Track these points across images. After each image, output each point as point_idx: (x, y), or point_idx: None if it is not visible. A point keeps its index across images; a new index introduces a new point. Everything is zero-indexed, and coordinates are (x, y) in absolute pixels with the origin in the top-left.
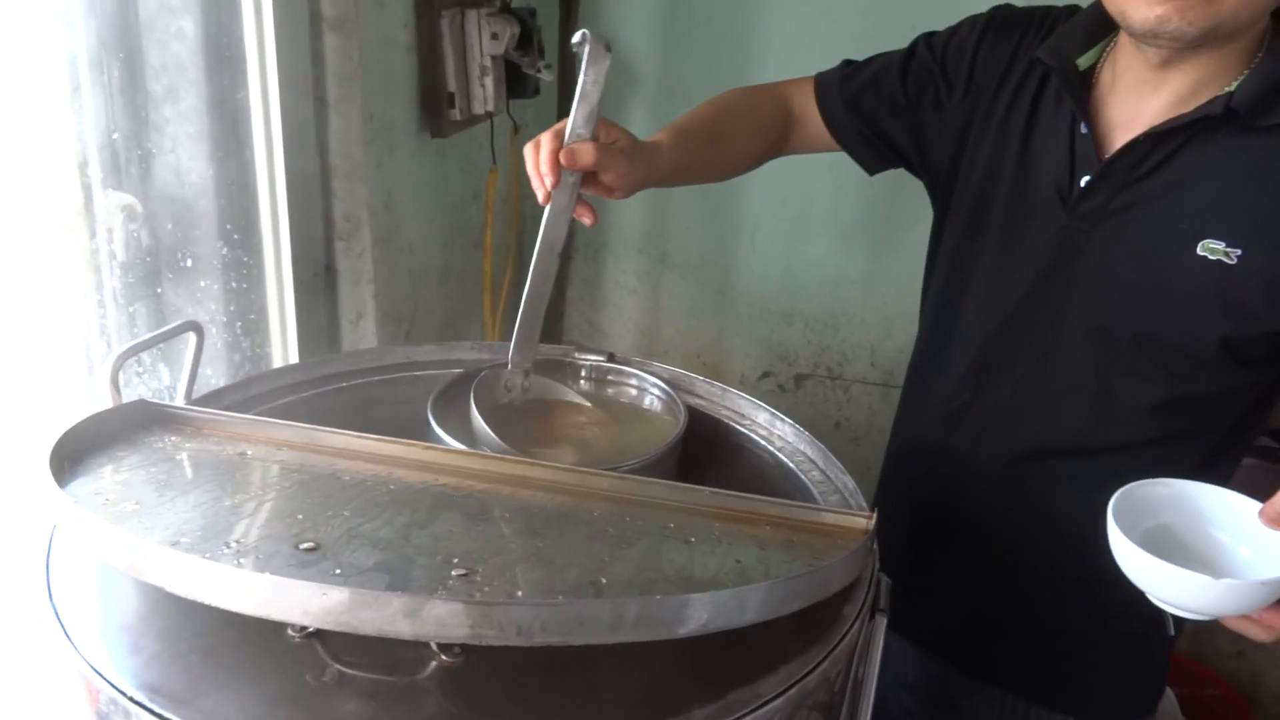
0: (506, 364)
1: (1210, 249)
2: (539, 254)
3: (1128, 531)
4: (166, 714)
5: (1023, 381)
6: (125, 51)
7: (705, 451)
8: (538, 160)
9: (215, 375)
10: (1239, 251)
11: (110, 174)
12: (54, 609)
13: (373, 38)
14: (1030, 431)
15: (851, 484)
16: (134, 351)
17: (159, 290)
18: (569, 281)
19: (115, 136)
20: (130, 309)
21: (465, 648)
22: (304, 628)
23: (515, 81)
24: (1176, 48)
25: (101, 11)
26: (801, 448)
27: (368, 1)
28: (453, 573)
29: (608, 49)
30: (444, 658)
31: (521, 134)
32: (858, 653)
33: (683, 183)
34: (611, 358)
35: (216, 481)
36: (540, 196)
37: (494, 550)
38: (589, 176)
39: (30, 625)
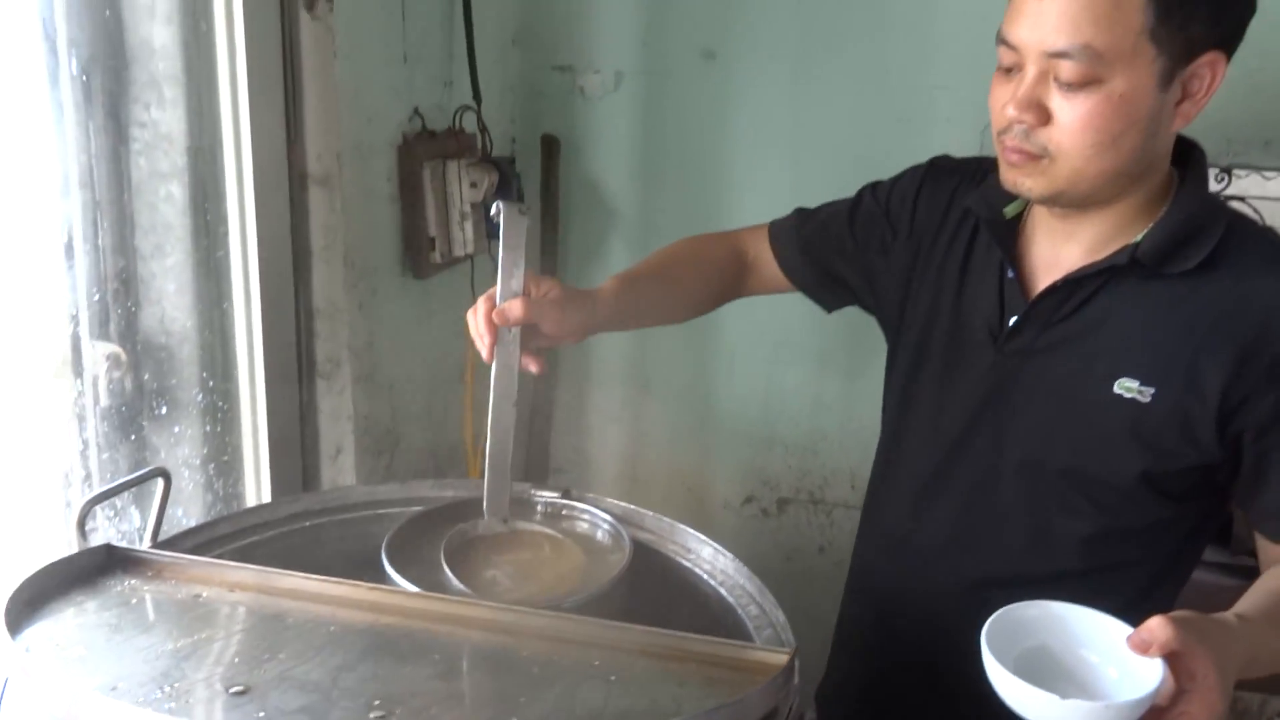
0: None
1: (1126, 387)
2: (494, 409)
3: (1006, 650)
4: None
5: (961, 513)
6: (117, 213)
7: (653, 585)
8: (476, 323)
9: (189, 516)
10: (1152, 390)
11: (98, 325)
12: None
13: (356, 191)
14: (969, 562)
15: (783, 619)
16: (102, 499)
17: (140, 434)
18: (554, 410)
19: (103, 291)
20: (111, 453)
21: None
22: None
23: (495, 225)
24: (1054, 206)
25: (97, 179)
26: (741, 582)
27: (351, 159)
28: (370, 715)
29: (522, 213)
30: None
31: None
32: None
33: (636, 324)
34: (566, 494)
35: (166, 625)
36: (484, 355)
37: (416, 692)
38: (530, 328)
39: None
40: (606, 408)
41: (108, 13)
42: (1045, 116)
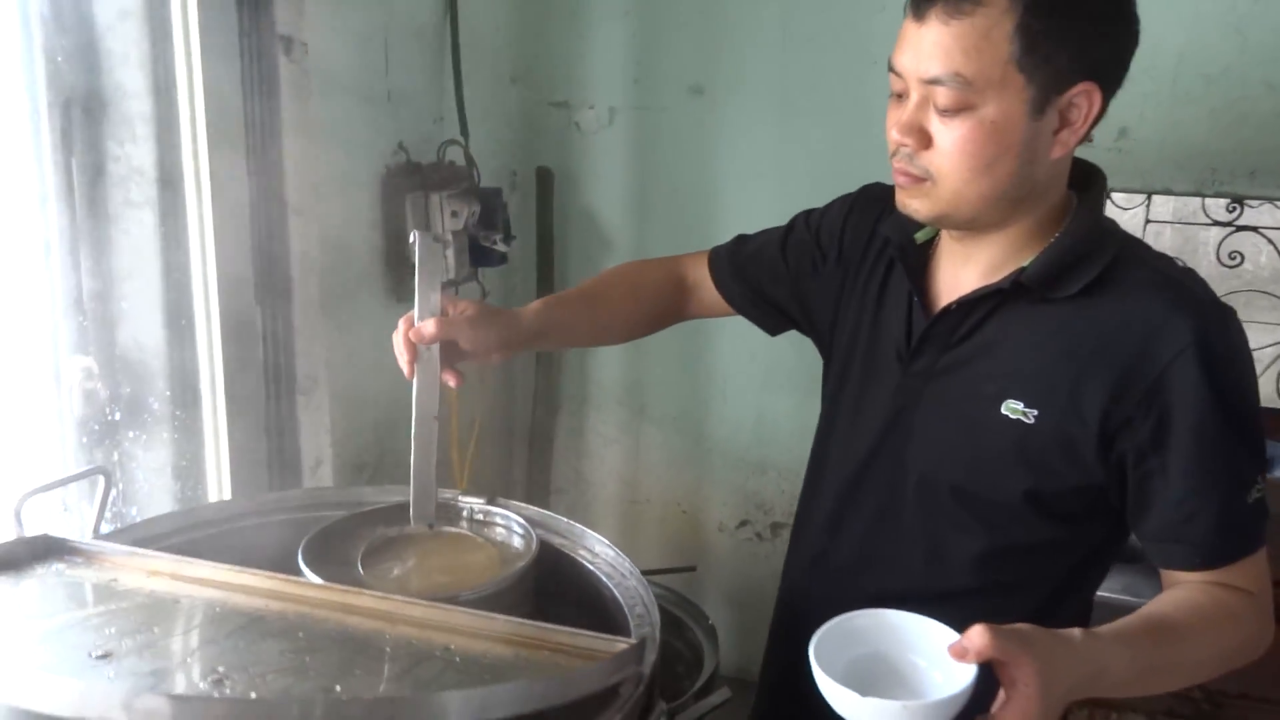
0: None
1: (1012, 409)
2: (416, 422)
3: (840, 655)
4: None
5: (868, 531)
6: (94, 239)
7: (558, 584)
8: (396, 343)
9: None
10: (1035, 412)
11: (74, 339)
12: None
13: (336, 220)
14: (874, 579)
15: (657, 618)
16: (40, 490)
17: (110, 440)
18: (555, 434)
19: (80, 309)
20: (85, 456)
21: None
22: None
23: (481, 252)
24: (943, 227)
25: (73, 206)
26: (633, 585)
27: (330, 190)
28: (210, 678)
29: (437, 240)
30: None
31: (489, 298)
32: None
33: (566, 343)
34: (492, 500)
35: (71, 603)
36: (405, 372)
37: (260, 663)
38: (450, 345)
39: None
40: (605, 431)
41: (87, 60)
42: (927, 140)
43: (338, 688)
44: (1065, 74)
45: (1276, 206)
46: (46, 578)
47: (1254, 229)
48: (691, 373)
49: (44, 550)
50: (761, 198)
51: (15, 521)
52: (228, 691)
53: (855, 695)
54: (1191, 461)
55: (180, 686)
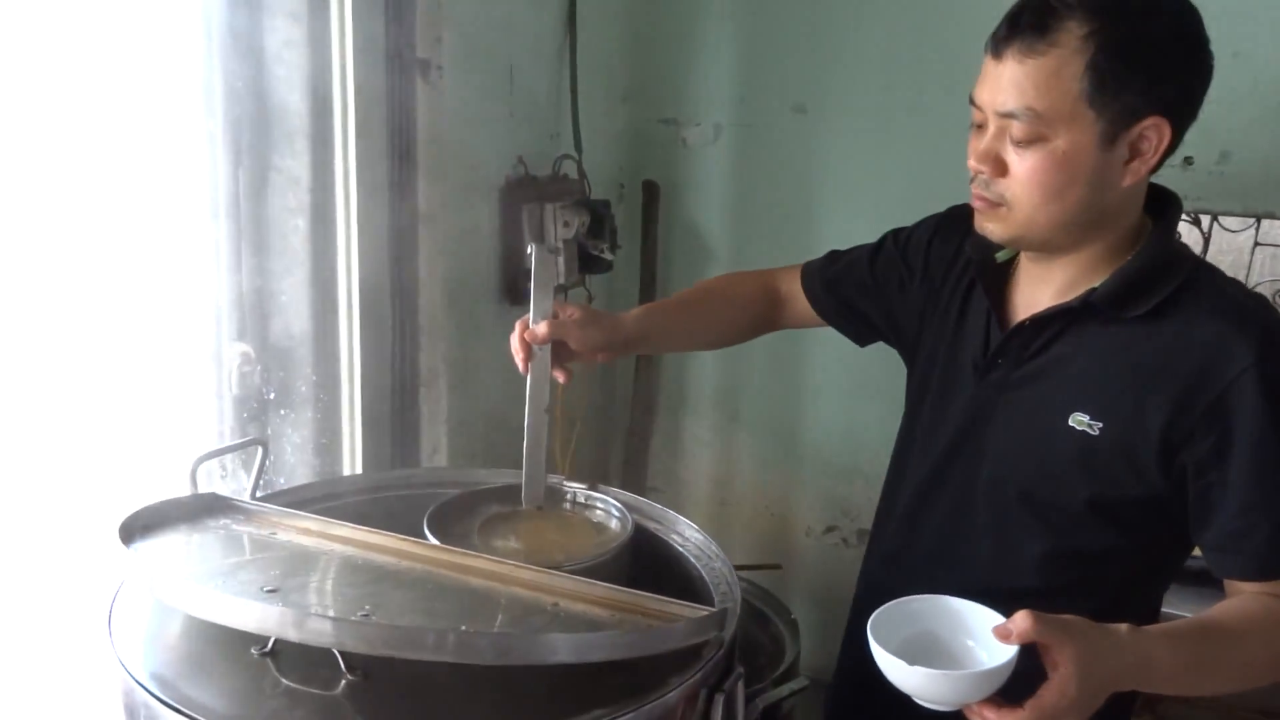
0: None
1: (1079, 421)
2: (530, 414)
3: (891, 633)
4: (160, 695)
5: (943, 528)
6: (256, 241)
7: (651, 562)
8: (512, 343)
9: (291, 483)
10: (1101, 424)
11: (236, 328)
12: (109, 626)
13: (460, 227)
14: (945, 575)
15: (739, 596)
16: (209, 457)
17: (262, 417)
18: (652, 435)
19: (241, 301)
20: (240, 430)
21: (365, 672)
22: (262, 648)
23: (589, 260)
24: (1018, 249)
25: (239, 213)
26: (719, 566)
27: (456, 201)
28: (358, 612)
29: (552, 251)
30: (349, 676)
31: (595, 303)
32: None
33: (665, 348)
34: (592, 486)
35: (241, 549)
36: (520, 369)
37: (400, 605)
38: (560, 345)
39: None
40: (699, 434)
41: (257, 83)
42: (1003, 168)
43: (463, 627)
44: (1134, 109)
45: None
46: (217, 529)
47: None
48: (784, 380)
49: (213, 507)
50: (857, 215)
51: (190, 481)
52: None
53: (904, 664)
54: (1250, 476)
55: (335, 615)
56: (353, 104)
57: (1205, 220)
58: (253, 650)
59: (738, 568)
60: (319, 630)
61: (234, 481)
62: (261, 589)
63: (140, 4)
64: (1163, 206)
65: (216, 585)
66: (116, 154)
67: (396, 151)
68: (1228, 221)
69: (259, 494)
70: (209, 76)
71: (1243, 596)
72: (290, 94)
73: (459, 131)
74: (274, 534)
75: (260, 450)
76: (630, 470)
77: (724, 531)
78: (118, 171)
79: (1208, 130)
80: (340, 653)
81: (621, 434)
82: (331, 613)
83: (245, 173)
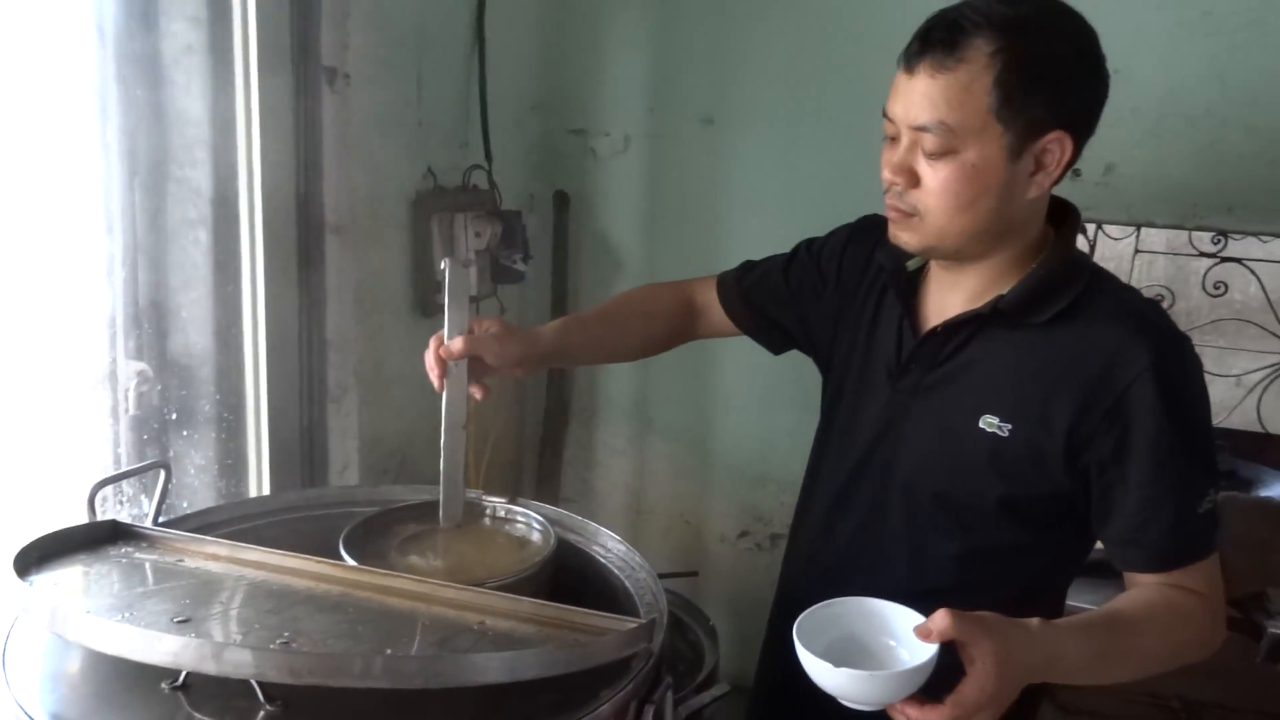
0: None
1: (988, 423)
2: (446, 432)
3: (816, 637)
4: None
5: (857, 534)
6: (153, 254)
7: (574, 575)
8: (427, 359)
9: (195, 507)
10: (1009, 426)
11: (133, 345)
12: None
13: (369, 238)
14: (862, 578)
15: (665, 605)
16: (107, 482)
17: (162, 438)
18: (565, 445)
19: (138, 317)
20: (138, 453)
21: (285, 702)
22: (173, 682)
23: (501, 270)
24: (931, 258)
25: (135, 224)
26: (643, 577)
27: (364, 211)
28: (277, 640)
29: (465, 266)
30: (268, 707)
31: (507, 314)
32: None
33: (583, 360)
34: (513, 499)
35: (145, 578)
36: (436, 386)
37: (320, 631)
38: (476, 361)
39: None
40: (613, 443)
41: (154, 89)
42: (915, 180)
43: (389, 650)
44: (1039, 123)
45: (1261, 240)
46: (118, 559)
47: (1238, 260)
48: (697, 389)
49: (113, 535)
50: (766, 224)
51: (88, 508)
52: (293, 650)
53: (828, 666)
54: (1148, 473)
55: (252, 645)
56: (256, 112)
57: (1091, 229)
58: (163, 685)
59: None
60: (238, 661)
61: (134, 507)
62: (172, 619)
63: (27, 4)
64: (1063, 216)
65: (122, 618)
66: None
67: (302, 161)
68: (1111, 230)
69: (162, 519)
70: (103, 83)
71: (1144, 588)
72: (190, 101)
73: (367, 141)
74: (180, 561)
75: (162, 473)
76: (544, 482)
77: (640, 540)
78: (2, 181)
79: (1094, 144)
80: (258, 683)
81: (534, 446)
82: (249, 641)
83: (142, 183)
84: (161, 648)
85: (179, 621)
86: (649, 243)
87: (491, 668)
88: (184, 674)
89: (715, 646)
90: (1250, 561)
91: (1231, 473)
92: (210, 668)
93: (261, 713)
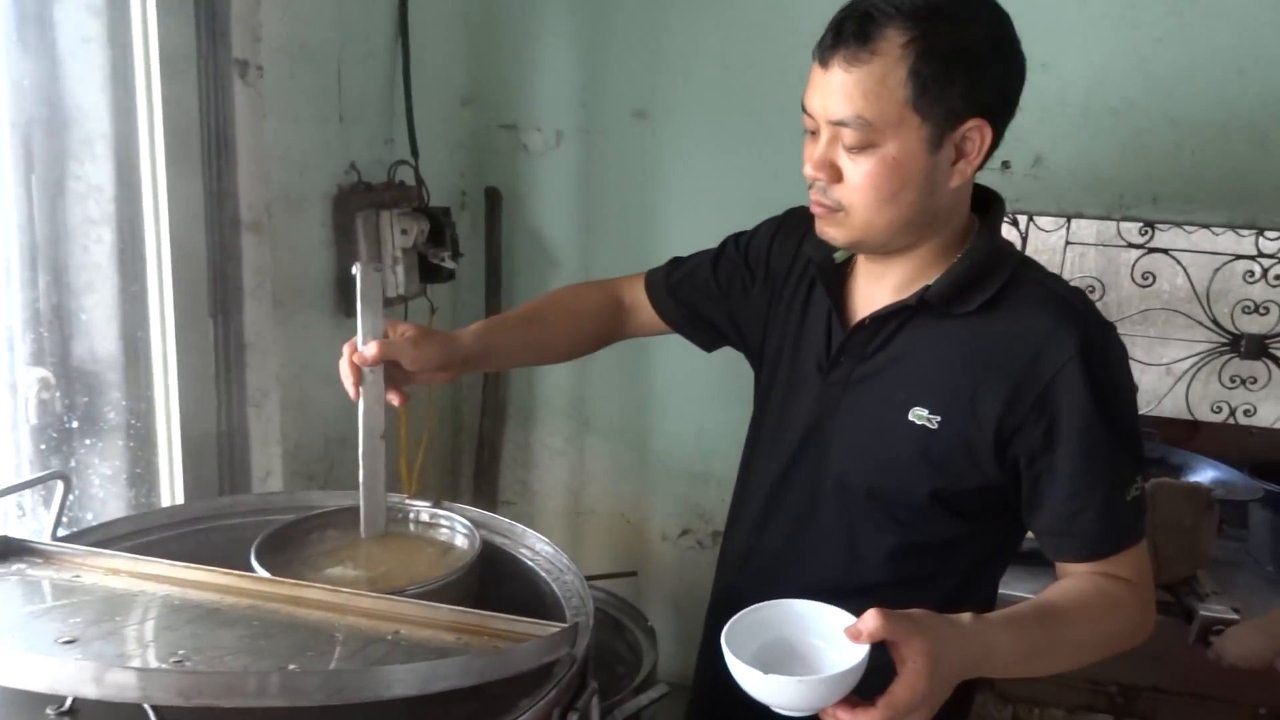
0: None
1: (918, 415)
2: (363, 441)
3: (746, 643)
4: None
5: (791, 531)
6: (52, 255)
7: (502, 579)
8: (341, 367)
9: (101, 519)
10: (939, 418)
11: (31, 351)
12: None
13: (288, 236)
14: (797, 575)
15: (591, 609)
16: (4, 494)
17: (65, 448)
18: (503, 445)
19: (37, 322)
20: (41, 464)
21: None
22: (59, 708)
23: (430, 269)
24: (859, 251)
25: (34, 221)
26: (570, 579)
27: (282, 208)
28: (170, 659)
29: (377, 270)
30: None
31: (438, 314)
32: None
33: (507, 363)
34: (437, 503)
35: (36, 596)
36: (351, 394)
37: (219, 647)
38: (394, 367)
39: None
40: (551, 443)
41: (50, 83)
42: (837, 175)
43: (292, 666)
44: (957, 112)
45: (1185, 231)
46: (8, 576)
47: (1165, 251)
48: (635, 387)
49: (6, 550)
50: (700, 218)
51: None
52: (186, 669)
53: (758, 673)
54: (1077, 462)
55: (142, 665)
56: (159, 105)
57: (1023, 221)
58: (49, 711)
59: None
60: (121, 684)
61: (35, 521)
62: (57, 640)
63: None
64: (987, 205)
65: (5, 640)
66: None
67: (211, 157)
68: (1042, 221)
69: (63, 533)
70: None
71: (1075, 577)
72: (88, 95)
73: (283, 136)
74: (77, 577)
75: (60, 485)
76: (482, 484)
77: (581, 541)
78: None
79: (1023, 136)
80: (152, 707)
81: (471, 447)
82: (137, 662)
83: (39, 181)
84: (39, 672)
85: (65, 642)
86: (584, 239)
87: (399, 680)
88: (70, 699)
89: (654, 647)
90: (1180, 546)
91: (1161, 460)
92: (91, 691)
93: None
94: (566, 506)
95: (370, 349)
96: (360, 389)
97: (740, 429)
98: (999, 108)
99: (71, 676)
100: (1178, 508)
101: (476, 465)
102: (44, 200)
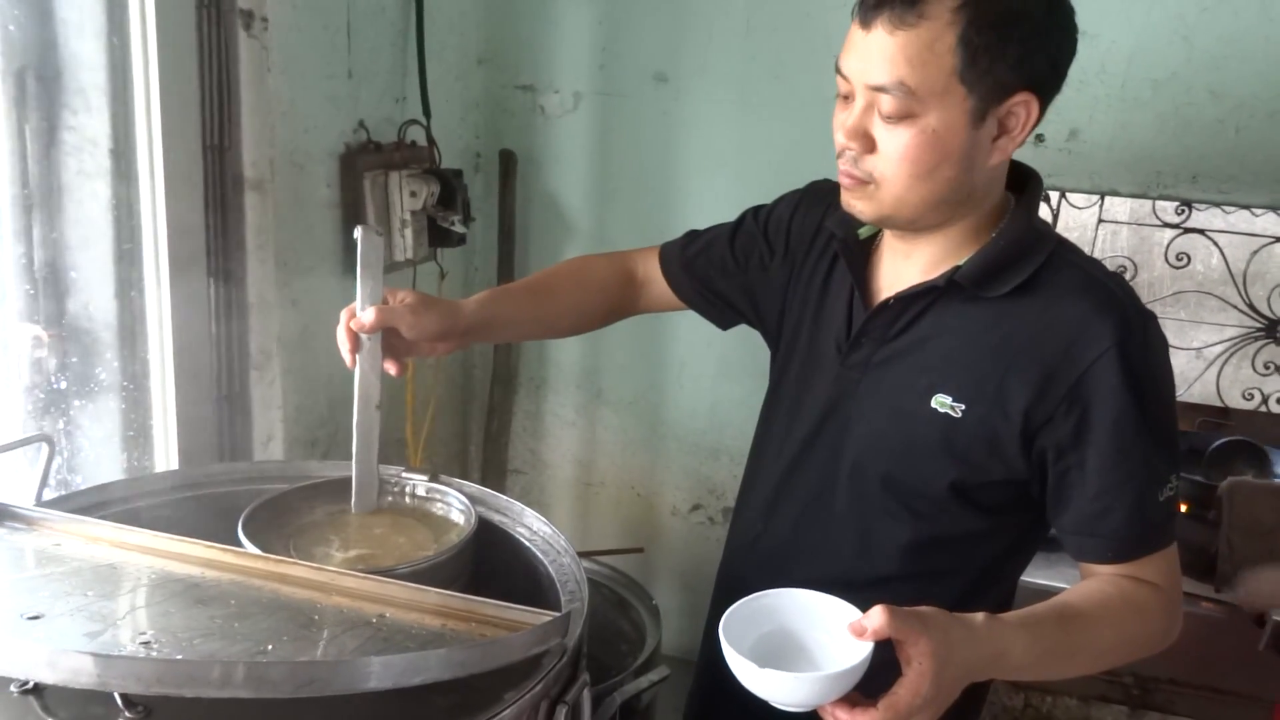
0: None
1: (941, 402)
2: (358, 410)
3: (745, 633)
4: None
5: (802, 517)
6: (47, 210)
7: (497, 559)
8: (339, 334)
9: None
10: (963, 406)
11: (28, 309)
12: None
13: (291, 196)
14: (806, 564)
15: (587, 594)
16: None
17: (58, 408)
18: (513, 414)
19: (32, 278)
20: (35, 424)
21: (147, 708)
22: (23, 685)
23: (440, 233)
24: (886, 227)
25: (29, 174)
26: (567, 562)
27: (286, 166)
28: (137, 640)
29: (378, 234)
30: (127, 714)
31: (448, 279)
32: None
33: (511, 335)
34: (434, 477)
35: (12, 566)
36: (348, 361)
37: (190, 628)
38: (393, 335)
39: None
40: (562, 413)
41: (42, 29)
42: (871, 145)
43: (268, 647)
44: (1005, 85)
45: (1224, 211)
46: None
47: (1201, 231)
48: (649, 359)
49: None
50: (721, 186)
51: None
52: (154, 654)
53: (754, 666)
54: (1108, 459)
55: (107, 648)
56: (155, 55)
57: (1054, 197)
58: (12, 688)
59: (598, 553)
60: (77, 668)
61: (21, 484)
62: (22, 615)
63: None
64: (1023, 182)
65: None
66: None
67: (212, 111)
68: (1075, 198)
69: (50, 496)
70: None
71: (1099, 579)
72: (83, 43)
73: (289, 91)
74: (58, 545)
75: (46, 448)
76: (491, 452)
77: (590, 513)
78: None
79: (1059, 108)
80: None
81: (481, 415)
82: (100, 642)
83: (32, 132)
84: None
85: (29, 618)
86: (600, 206)
87: (373, 674)
88: None
89: (658, 626)
90: (1259, 549)
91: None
92: (46, 676)
93: (120, 718)
94: (576, 478)
95: (368, 315)
96: (357, 356)
97: (755, 403)
98: (1049, 82)
99: (24, 658)
100: (1256, 507)
101: (486, 433)
102: (38, 152)
